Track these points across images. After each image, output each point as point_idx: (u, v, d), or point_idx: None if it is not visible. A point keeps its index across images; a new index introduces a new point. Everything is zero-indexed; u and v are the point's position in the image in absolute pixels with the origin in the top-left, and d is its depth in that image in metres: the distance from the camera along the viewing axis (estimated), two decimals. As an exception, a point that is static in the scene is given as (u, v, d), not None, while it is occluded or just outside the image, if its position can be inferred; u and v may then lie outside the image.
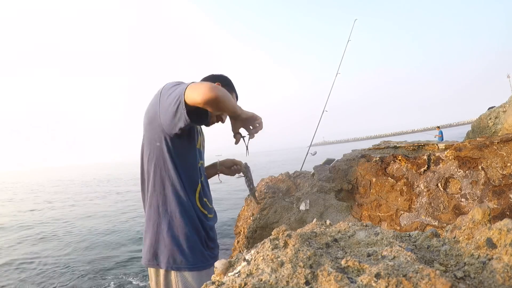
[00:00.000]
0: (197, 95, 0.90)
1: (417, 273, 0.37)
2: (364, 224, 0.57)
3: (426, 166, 1.58)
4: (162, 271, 1.08)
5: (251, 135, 1.17)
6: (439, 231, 0.87)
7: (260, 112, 1.16)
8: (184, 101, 0.92)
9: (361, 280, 0.37)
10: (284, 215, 1.81)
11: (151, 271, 1.11)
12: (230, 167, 1.44)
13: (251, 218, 1.90)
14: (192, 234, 1.09)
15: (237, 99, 1.33)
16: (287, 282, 0.39)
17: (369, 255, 0.45)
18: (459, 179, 1.47)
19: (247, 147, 1.26)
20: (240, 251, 1.73)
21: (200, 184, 1.18)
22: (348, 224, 0.57)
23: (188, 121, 0.95)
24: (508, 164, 1.35)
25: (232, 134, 1.15)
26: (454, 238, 0.48)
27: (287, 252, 0.45)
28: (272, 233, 0.51)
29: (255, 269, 0.43)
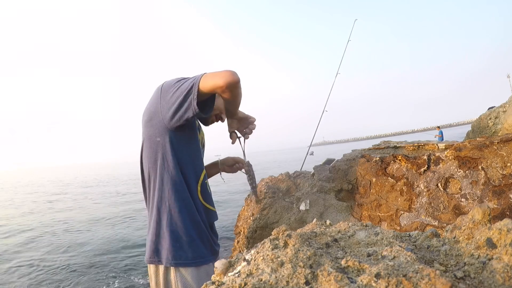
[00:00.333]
0: (219, 79, 0.93)
1: (417, 273, 0.37)
2: (364, 224, 0.57)
3: (426, 166, 1.58)
4: (161, 268, 1.08)
5: (246, 136, 1.23)
6: (439, 231, 0.87)
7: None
8: (198, 90, 0.94)
9: (361, 280, 0.37)
10: (284, 215, 1.81)
11: (151, 268, 1.11)
12: (232, 166, 1.44)
13: (251, 218, 1.90)
14: (191, 229, 1.09)
15: None
16: (287, 282, 0.39)
17: (369, 255, 0.45)
18: (459, 179, 1.47)
19: (244, 152, 1.30)
20: (240, 251, 1.73)
21: (203, 172, 1.19)
22: (348, 224, 0.57)
23: (196, 110, 0.96)
24: (508, 164, 1.35)
25: (228, 134, 1.20)
26: (454, 238, 0.48)
27: (287, 252, 0.45)
28: (272, 233, 0.51)
29: (255, 269, 0.43)
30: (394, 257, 0.42)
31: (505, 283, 0.35)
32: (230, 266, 0.49)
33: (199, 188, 1.15)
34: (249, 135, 1.26)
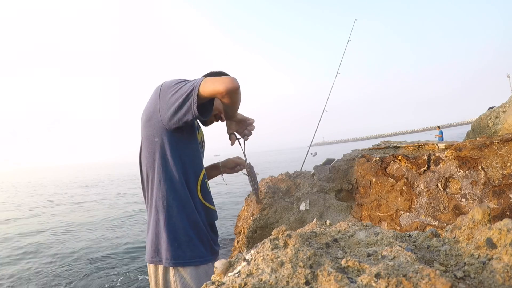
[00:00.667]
0: (220, 85, 0.94)
1: (417, 273, 0.36)
2: (364, 224, 0.57)
3: (426, 166, 1.58)
4: (161, 268, 1.08)
5: (245, 138, 1.25)
6: (439, 231, 0.87)
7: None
8: (198, 94, 0.95)
9: (361, 280, 0.37)
10: (284, 215, 1.81)
11: (151, 268, 1.11)
12: (233, 168, 1.44)
13: (251, 218, 1.90)
14: (189, 229, 1.09)
15: None
16: (287, 282, 0.39)
17: (369, 255, 0.45)
18: (459, 179, 1.47)
19: (244, 153, 1.31)
20: (240, 251, 1.73)
21: (203, 171, 1.19)
22: (348, 224, 0.57)
23: (196, 114, 0.96)
24: (508, 164, 1.35)
25: (228, 135, 1.21)
26: (454, 238, 0.48)
27: (287, 252, 0.45)
28: (272, 233, 0.51)
29: (255, 269, 0.43)
30: (394, 257, 0.42)
31: (505, 283, 0.35)
32: (230, 266, 0.49)
33: (198, 187, 1.15)
34: (249, 137, 1.26)
